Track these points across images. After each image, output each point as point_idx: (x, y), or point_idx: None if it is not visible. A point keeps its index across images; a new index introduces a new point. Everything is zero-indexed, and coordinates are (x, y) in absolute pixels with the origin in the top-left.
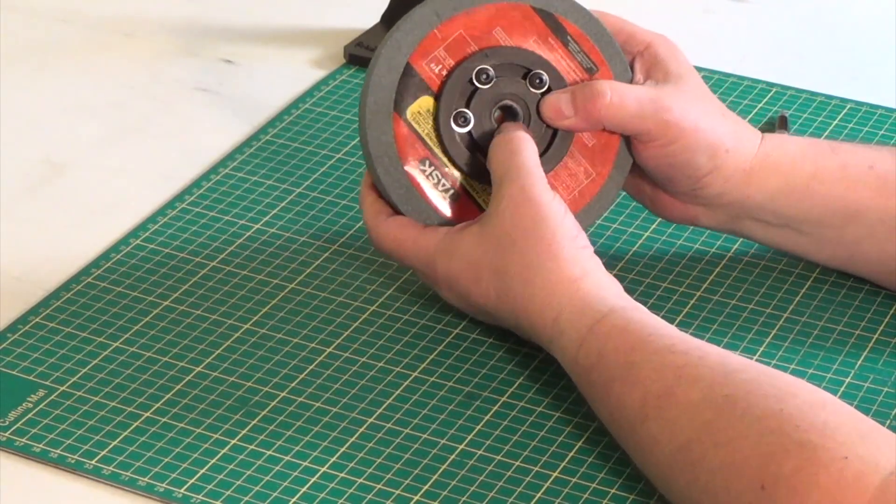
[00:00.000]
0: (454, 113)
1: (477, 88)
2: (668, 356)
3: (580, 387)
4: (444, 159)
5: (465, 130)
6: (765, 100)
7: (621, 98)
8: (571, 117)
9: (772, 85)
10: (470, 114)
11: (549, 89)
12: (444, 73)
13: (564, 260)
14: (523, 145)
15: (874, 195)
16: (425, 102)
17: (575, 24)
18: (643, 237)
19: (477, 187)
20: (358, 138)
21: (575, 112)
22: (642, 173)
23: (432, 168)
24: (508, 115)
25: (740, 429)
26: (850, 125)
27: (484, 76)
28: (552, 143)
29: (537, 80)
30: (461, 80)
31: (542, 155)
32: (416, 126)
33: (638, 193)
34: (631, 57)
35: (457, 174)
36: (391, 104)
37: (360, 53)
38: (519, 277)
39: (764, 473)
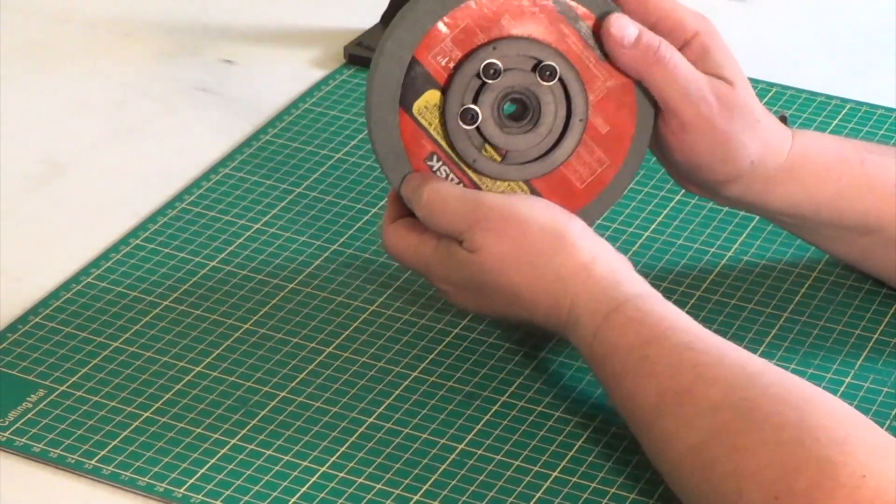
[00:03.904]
0: (461, 109)
1: (484, 83)
2: (685, 353)
3: (596, 374)
4: (452, 154)
5: (472, 127)
6: (765, 100)
7: (677, 66)
8: (628, 49)
9: (772, 85)
10: (477, 109)
11: (561, 81)
12: (451, 65)
13: (570, 247)
14: (440, 184)
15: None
16: (432, 97)
17: (588, 9)
18: (643, 237)
19: (487, 182)
20: (359, 137)
21: (633, 47)
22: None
23: (440, 163)
24: (518, 108)
25: (758, 436)
26: (850, 125)
27: (492, 70)
28: (565, 131)
29: (547, 73)
30: (468, 75)
31: (555, 144)
32: (422, 121)
33: (667, 165)
34: (679, 44)
35: (465, 169)
36: (397, 99)
37: (360, 53)
38: (525, 286)
39: (779, 485)
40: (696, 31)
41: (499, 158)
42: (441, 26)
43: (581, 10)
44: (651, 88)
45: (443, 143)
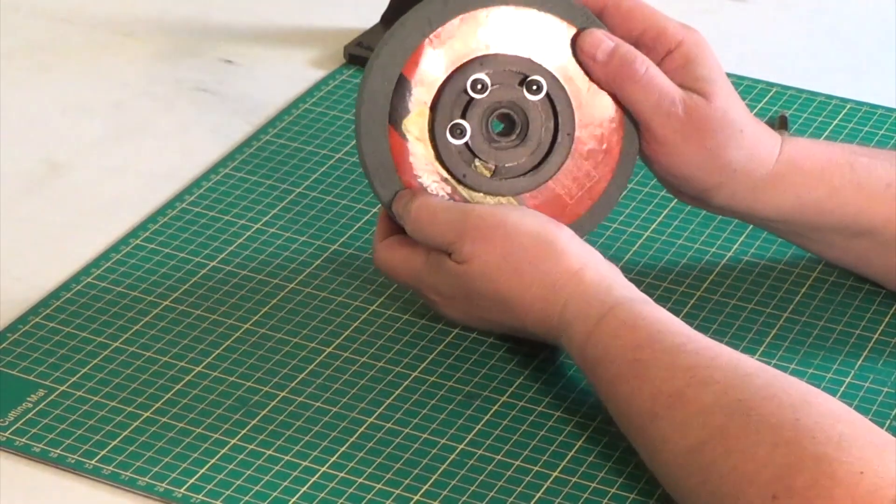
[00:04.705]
0: (450, 125)
1: (472, 98)
2: (678, 356)
3: (589, 379)
4: (442, 170)
5: (461, 142)
6: (765, 100)
7: (650, 80)
8: (601, 64)
9: (772, 85)
10: (466, 124)
11: (548, 96)
12: (439, 82)
13: (560, 254)
14: (429, 197)
15: (888, 214)
16: (420, 113)
17: (574, 24)
18: (643, 237)
19: (475, 197)
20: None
21: (607, 61)
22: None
23: (430, 179)
24: (506, 123)
25: (755, 437)
26: (850, 125)
27: (479, 86)
28: (553, 146)
29: (534, 87)
30: (456, 90)
31: (543, 158)
32: (411, 137)
33: (655, 176)
34: (662, 54)
35: (454, 184)
36: (386, 116)
37: (360, 53)
38: (516, 294)
39: (777, 485)
40: (680, 41)
41: (488, 174)
42: (429, 43)
43: (566, 24)
44: (625, 103)
45: (433, 160)
